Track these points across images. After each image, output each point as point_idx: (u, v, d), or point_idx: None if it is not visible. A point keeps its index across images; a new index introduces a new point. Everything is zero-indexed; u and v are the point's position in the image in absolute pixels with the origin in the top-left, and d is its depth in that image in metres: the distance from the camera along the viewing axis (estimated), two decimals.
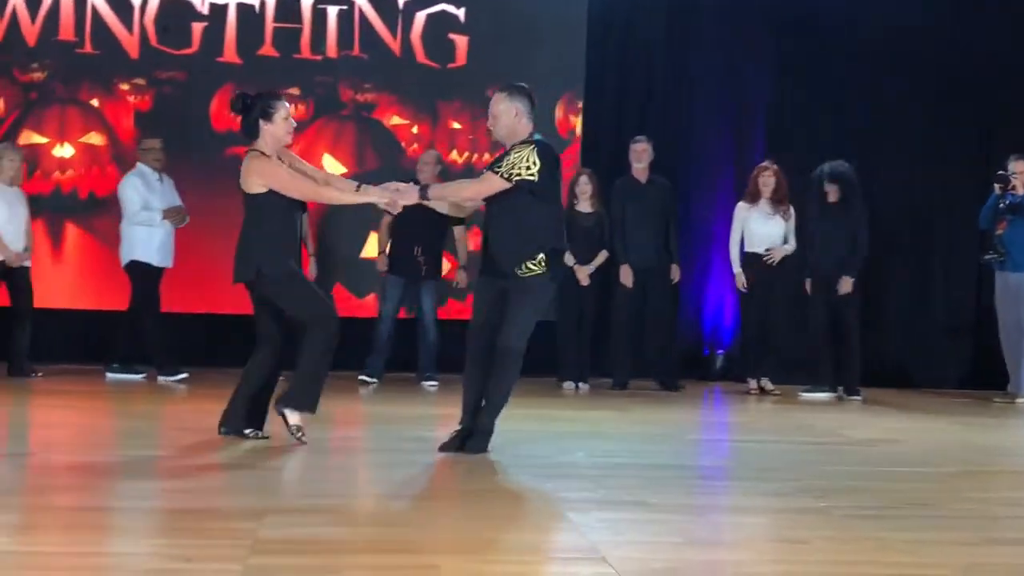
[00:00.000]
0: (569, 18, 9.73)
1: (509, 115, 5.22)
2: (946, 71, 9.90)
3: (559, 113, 9.72)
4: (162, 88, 9.46)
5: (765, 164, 8.78)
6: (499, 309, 5.20)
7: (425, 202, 5.41)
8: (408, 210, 5.74)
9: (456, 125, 9.68)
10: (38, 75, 9.37)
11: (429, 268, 8.53)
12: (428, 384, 8.45)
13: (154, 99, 9.47)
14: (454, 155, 9.59)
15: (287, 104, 5.43)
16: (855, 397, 8.48)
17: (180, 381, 8.15)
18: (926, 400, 8.81)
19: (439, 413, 7.07)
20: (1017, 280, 8.47)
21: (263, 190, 5.23)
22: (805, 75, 9.89)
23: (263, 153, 5.29)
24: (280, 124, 5.31)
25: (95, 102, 9.46)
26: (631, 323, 8.86)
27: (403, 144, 9.63)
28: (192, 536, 3.49)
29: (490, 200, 5.23)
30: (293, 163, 5.45)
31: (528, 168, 5.11)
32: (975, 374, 9.76)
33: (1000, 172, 8.49)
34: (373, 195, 5.37)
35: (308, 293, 5.36)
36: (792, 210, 8.66)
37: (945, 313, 9.90)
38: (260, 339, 5.41)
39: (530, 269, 5.17)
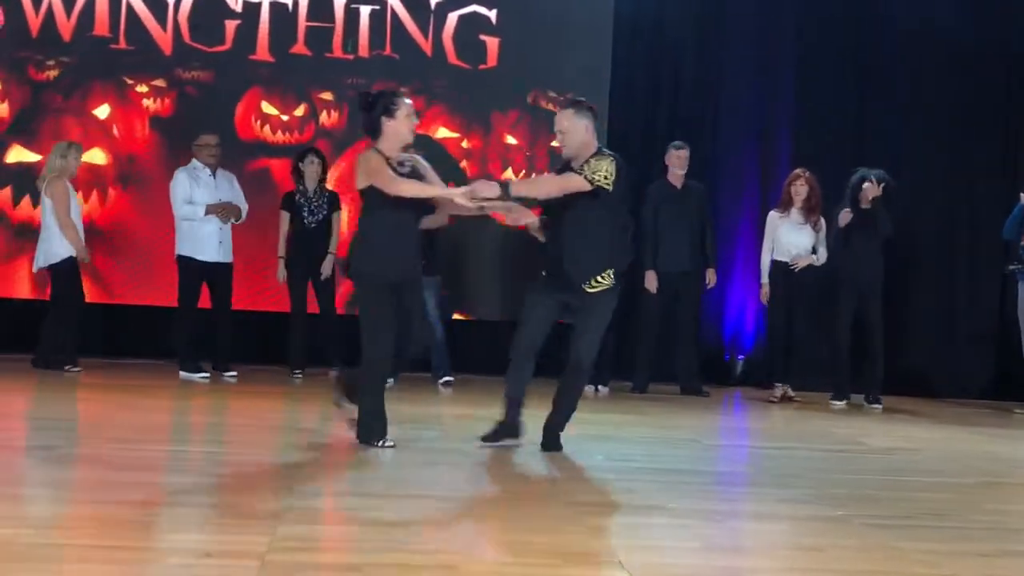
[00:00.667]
0: (596, 20, 9.75)
1: (579, 131, 5.26)
2: (972, 79, 9.87)
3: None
4: (184, 89, 9.51)
5: (798, 172, 8.69)
6: (553, 320, 5.35)
7: (500, 200, 5.25)
8: None
9: (510, 139, 9.72)
10: (53, 72, 9.42)
11: (429, 264, 8.56)
12: (443, 382, 8.47)
13: (175, 103, 9.51)
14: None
15: (409, 101, 5.34)
16: (876, 406, 8.46)
17: (205, 378, 8.19)
18: (947, 410, 8.78)
19: (456, 412, 7.11)
20: None
21: (366, 186, 5.21)
22: (831, 82, 9.89)
23: (379, 151, 5.24)
24: (403, 121, 5.25)
25: (104, 109, 9.47)
26: (658, 327, 8.86)
27: (455, 158, 9.65)
28: (213, 532, 3.53)
29: (562, 212, 5.26)
30: (416, 164, 5.40)
31: (605, 177, 5.18)
32: (997, 385, 9.72)
33: None
34: (456, 192, 5.27)
35: (368, 313, 5.26)
36: (823, 221, 8.62)
37: (968, 323, 9.86)
38: None
39: (599, 283, 5.23)
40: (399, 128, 5.24)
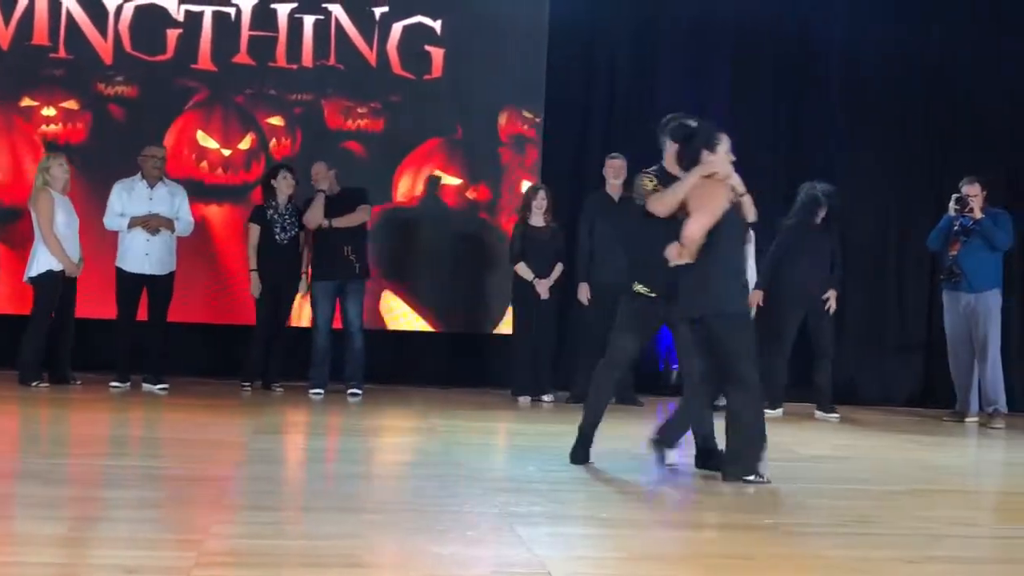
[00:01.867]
0: (532, 31, 9.78)
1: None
2: (902, 90, 10.05)
3: (503, 120, 9.76)
4: (106, 108, 9.29)
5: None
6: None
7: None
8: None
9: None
10: None
11: (362, 267, 8.58)
12: (352, 393, 8.43)
13: (89, 129, 9.28)
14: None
15: (726, 136, 5.28)
16: (833, 415, 8.53)
17: (164, 390, 8.15)
18: (877, 418, 8.90)
19: (393, 425, 7.09)
20: (971, 301, 8.59)
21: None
22: (766, 91, 10.02)
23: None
24: (722, 156, 5.19)
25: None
26: (594, 339, 8.89)
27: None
28: (141, 547, 3.49)
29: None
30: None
31: None
32: (925, 393, 9.89)
33: (959, 195, 8.60)
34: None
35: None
36: (752, 233, 8.69)
37: (897, 332, 10.00)
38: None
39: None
40: (719, 162, 5.20)
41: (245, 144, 9.51)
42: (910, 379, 10.00)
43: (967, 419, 8.58)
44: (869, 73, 10.04)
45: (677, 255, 5.15)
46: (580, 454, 5.46)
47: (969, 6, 10.16)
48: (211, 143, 9.48)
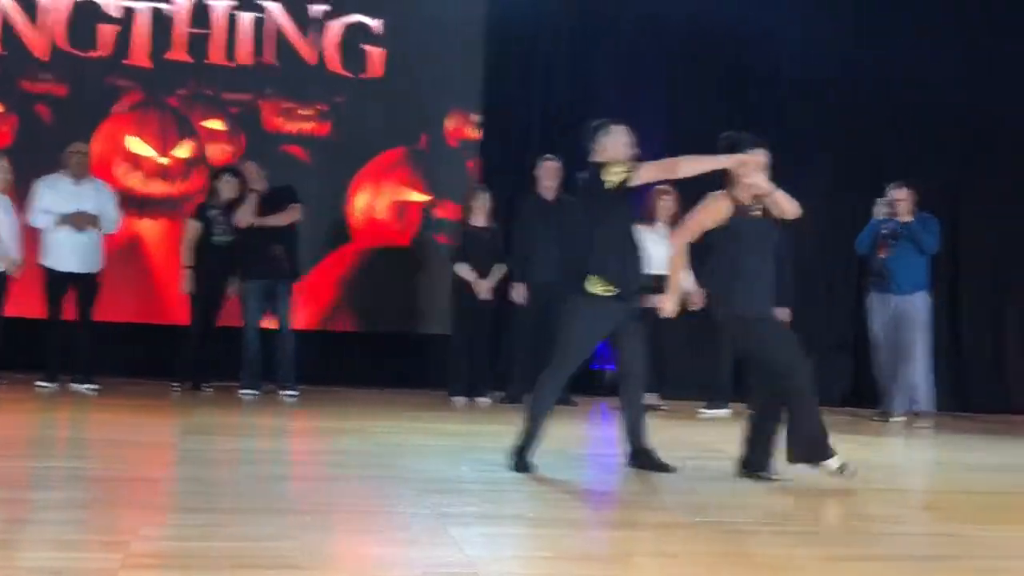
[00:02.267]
0: (470, 33, 9.80)
1: None
2: (834, 101, 10.23)
3: (450, 125, 9.77)
4: (32, 107, 9.15)
5: (664, 188, 8.84)
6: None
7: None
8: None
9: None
10: None
11: (291, 268, 8.54)
12: (286, 395, 8.38)
13: (15, 132, 9.16)
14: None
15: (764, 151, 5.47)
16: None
17: (94, 390, 8.06)
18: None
19: (326, 426, 7.06)
20: (899, 303, 8.74)
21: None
22: (700, 97, 10.11)
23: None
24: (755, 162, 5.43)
25: None
26: (531, 339, 8.92)
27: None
28: (67, 549, 3.45)
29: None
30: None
31: None
32: (854, 393, 10.05)
33: (888, 199, 8.74)
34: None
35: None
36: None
37: (827, 333, 10.14)
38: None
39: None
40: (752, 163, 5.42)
41: (183, 152, 9.41)
42: (840, 379, 10.16)
43: (894, 418, 8.73)
44: (805, 76, 10.17)
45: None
46: (523, 463, 5.35)
47: (907, 17, 10.33)
48: (146, 150, 9.36)
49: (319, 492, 4.67)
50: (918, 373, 8.70)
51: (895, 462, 7.04)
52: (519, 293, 8.80)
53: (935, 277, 9.10)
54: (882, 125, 10.27)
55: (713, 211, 5.41)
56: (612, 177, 5.32)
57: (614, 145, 5.48)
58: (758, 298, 5.40)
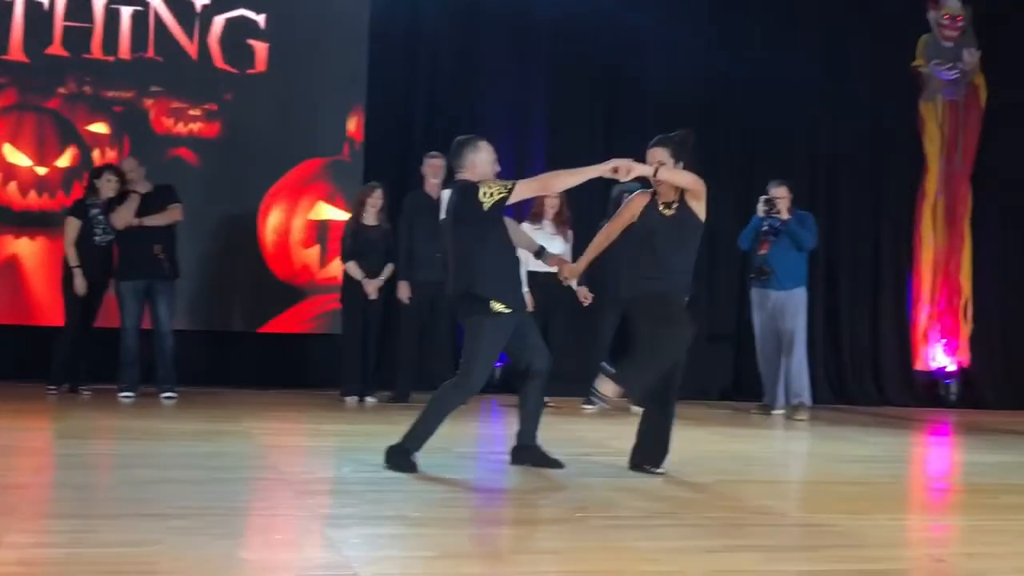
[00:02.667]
0: (353, 29, 9.72)
1: None
2: (713, 101, 10.46)
3: (351, 125, 9.69)
4: None
5: None
6: None
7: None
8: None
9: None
10: None
11: (170, 267, 8.39)
12: (165, 397, 8.23)
13: None
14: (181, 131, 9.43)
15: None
16: (639, 408, 8.69)
17: None
18: (690, 411, 9.08)
19: (206, 428, 6.92)
20: (779, 298, 8.90)
21: None
22: (581, 95, 10.21)
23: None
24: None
25: None
26: (417, 337, 8.89)
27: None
28: None
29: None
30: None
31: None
32: (736, 386, 10.23)
33: (768, 196, 8.91)
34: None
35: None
36: (571, 232, 8.83)
37: (709, 326, 10.31)
38: None
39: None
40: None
41: (64, 161, 9.14)
42: (722, 373, 10.34)
43: (774, 411, 8.90)
44: (682, 75, 10.35)
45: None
46: (409, 463, 5.30)
47: (778, 23, 10.59)
48: (21, 159, 9.07)
49: (194, 495, 4.57)
50: (797, 367, 8.88)
51: (772, 454, 7.17)
52: (403, 291, 8.76)
53: (813, 273, 9.31)
54: (755, 127, 10.51)
55: (631, 208, 5.60)
56: (487, 199, 5.32)
57: (483, 162, 5.48)
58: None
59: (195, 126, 9.37)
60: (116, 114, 9.26)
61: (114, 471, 5.17)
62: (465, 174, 5.48)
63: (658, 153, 5.58)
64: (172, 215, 8.39)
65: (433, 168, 8.87)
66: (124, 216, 8.22)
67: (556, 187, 5.53)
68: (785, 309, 8.90)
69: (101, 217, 8.37)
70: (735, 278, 10.17)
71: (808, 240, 8.90)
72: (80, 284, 8.29)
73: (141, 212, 8.26)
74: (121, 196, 8.32)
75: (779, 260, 8.90)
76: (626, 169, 5.38)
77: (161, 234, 8.32)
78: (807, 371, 8.99)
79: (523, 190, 5.39)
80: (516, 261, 5.60)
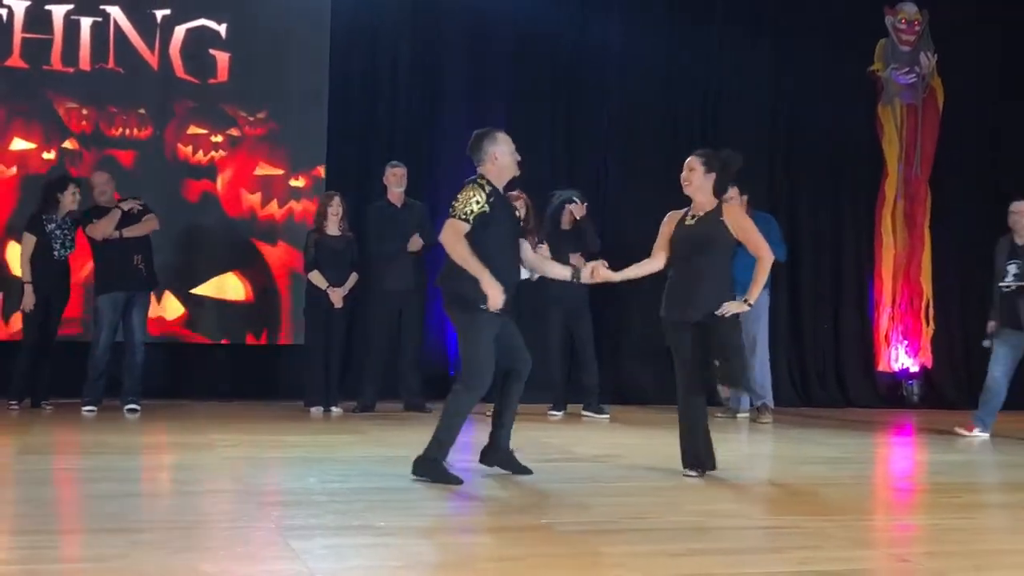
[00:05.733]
0: (315, 39, 9.70)
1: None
2: (670, 104, 10.55)
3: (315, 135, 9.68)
4: None
5: (515, 193, 8.89)
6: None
7: None
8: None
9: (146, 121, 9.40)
10: None
11: (149, 277, 8.35)
12: (130, 409, 8.17)
13: None
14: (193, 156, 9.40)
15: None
16: (601, 416, 8.73)
17: None
18: (660, 416, 9.15)
19: (171, 441, 6.88)
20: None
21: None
22: (541, 102, 10.25)
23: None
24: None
25: None
26: (385, 346, 8.87)
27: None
28: None
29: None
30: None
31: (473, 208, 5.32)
32: None
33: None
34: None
35: None
36: (544, 246, 8.81)
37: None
38: None
39: None
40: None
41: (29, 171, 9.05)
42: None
43: (739, 415, 8.94)
44: (642, 82, 10.42)
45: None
46: (444, 473, 5.35)
47: (737, 28, 10.69)
48: None
49: (157, 509, 4.54)
50: (760, 370, 8.92)
51: (736, 457, 7.18)
52: (338, 299, 8.71)
53: (775, 276, 9.35)
54: (715, 133, 10.57)
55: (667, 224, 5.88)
56: (456, 206, 5.37)
57: (503, 153, 5.51)
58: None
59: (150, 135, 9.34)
60: (77, 126, 9.17)
61: (76, 486, 5.13)
62: (486, 166, 5.49)
63: (692, 161, 5.72)
64: (150, 225, 8.37)
65: (396, 177, 8.88)
66: (104, 228, 8.19)
67: (452, 252, 5.39)
68: (748, 313, 8.91)
69: (58, 232, 8.29)
70: None
71: (776, 247, 8.94)
72: (28, 301, 8.22)
73: (118, 224, 8.24)
74: (97, 209, 8.27)
75: (741, 265, 8.91)
76: (493, 299, 5.34)
77: (139, 244, 8.29)
78: (769, 374, 9.04)
79: (454, 227, 5.35)
80: (503, 264, 5.48)
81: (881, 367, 10.95)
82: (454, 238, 5.32)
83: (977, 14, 11.07)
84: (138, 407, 8.16)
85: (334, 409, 8.64)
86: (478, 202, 5.31)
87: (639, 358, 10.24)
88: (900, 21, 11.11)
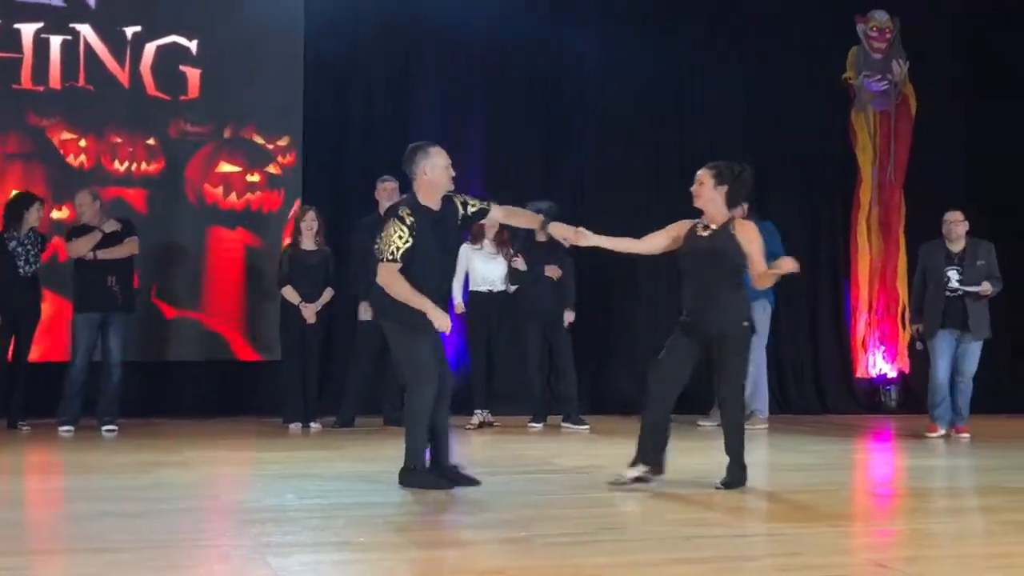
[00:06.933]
0: (288, 55, 9.68)
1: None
2: (646, 115, 10.59)
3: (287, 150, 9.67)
4: None
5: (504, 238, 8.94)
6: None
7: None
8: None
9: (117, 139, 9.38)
10: None
11: (125, 299, 8.30)
12: (107, 429, 8.13)
13: None
14: (116, 164, 9.34)
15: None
16: (581, 426, 8.72)
17: None
18: (631, 426, 9.14)
19: (148, 459, 6.84)
20: None
21: None
22: (517, 116, 10.26)
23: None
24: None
25: None
26: (368, 361, 8.85)
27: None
28: None
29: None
30: None
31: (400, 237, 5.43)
32: (681, 398, 10.24)
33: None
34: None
35: None
36: (520, 259, 8.83)
37: (651, 340, 10.32)
38: None
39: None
40: None
41: None
42: None
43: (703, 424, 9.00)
44: (618, 91, 10.46)
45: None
46: (424, 479, 5.51)
47: (711, 35, 10.76)
48: None
49: (134, 528, 4.51)
50: (755, 379, 8.95)
51: (715, 466, 7.17)
52: (364, 312, 8.71)
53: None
54: (690, 140, 10.63)
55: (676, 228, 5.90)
56: (381, 241, 5.53)
57: (434, 167, 5.54)
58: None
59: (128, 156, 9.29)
60: (43, 144, 9.13)
61: (52, 506, 5.09)
62: (418, 181, 5.54)
63: (702, 174, 5.74)
64: (128, 248, 8.33)
65: (387, 192, 8.86)
66: (79, 247, 8.16)
67: (391, 290, 5.50)
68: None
69: (20, 249, 8.24)
70: (676, 290, 10.22)
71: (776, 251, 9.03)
72: None
73: (98, 244, 8.21)
74: (80, 228, 8.26)
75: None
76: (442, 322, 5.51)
77: (116, 266, 8.25)
78: (765, 383, 9.08)
79: (386, 269, 5.47)
80: (435, 283, 5.60)
81: (859, 373, 10.99)
82: (390, 279, 5.46)
83: (948, 22, 11.16)
84: (115, 427, 8.12)
85: (313, 425, 8.61)
86: (400, 237, 5.43)
87: (618, 368, 10.27)
88: (872, 29, 11.18)
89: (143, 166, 9.37)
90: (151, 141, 9.38)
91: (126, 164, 9.32)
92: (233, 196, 9.54)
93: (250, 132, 9.59)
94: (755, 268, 5.73)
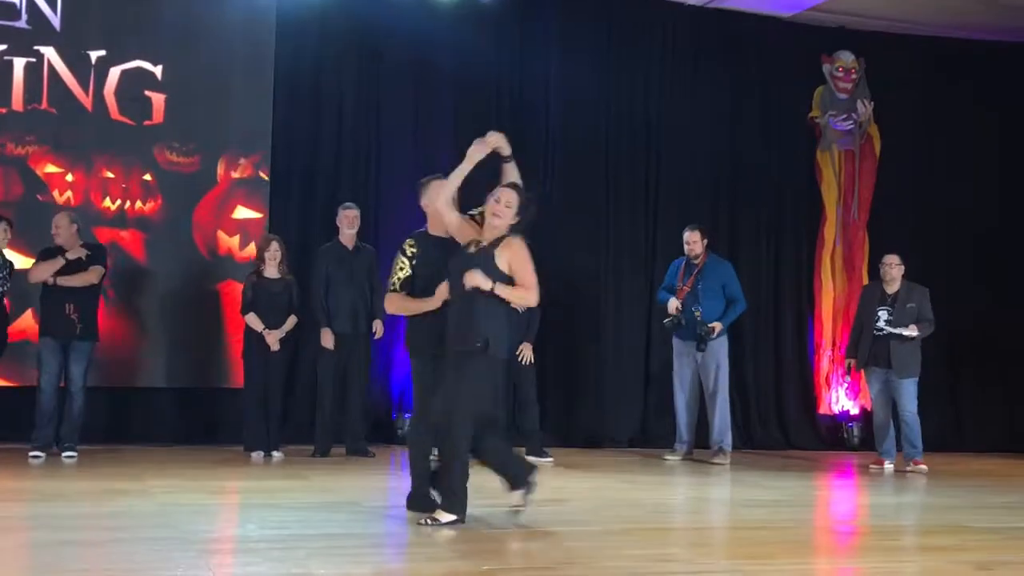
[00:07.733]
0: (258, 80, 9.67)
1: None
2: (614, 144, 10.65)
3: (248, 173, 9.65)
4: None
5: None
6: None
7: None
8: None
9: (109, 175, 9.33)
10: None
11: (85, 328, 8.22)
12: (67, 456, 8.06)
13: None
14: (107, 202, 9.30)
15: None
16: (545, 459, 8.71)
17: None
18: (604, 459, 9.19)
19: (108, 487, 6.79)
20: (702, 346, 9.05)
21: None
22: (482, 136, 10.28)
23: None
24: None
25: None
26: (334, 389, 8.82)
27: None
28: None
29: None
30: None
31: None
32: (645, 433, 10.31)
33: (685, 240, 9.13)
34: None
35: None
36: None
37: (617, 375, 10.37)
38: None
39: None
40: None
41: None
42: (629, 421, 10.39)
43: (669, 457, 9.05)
44: (586, 123, 10.53)
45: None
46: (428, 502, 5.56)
47: (678, 73, 10.85)
48: None
49: (94, 558, 4.47)
50: (720, 413, 9.03)
51: (680, 502, 7.22)
52: (327, 340, 8.68)
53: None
54: (656, 176, 10.71)
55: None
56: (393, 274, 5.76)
57: (427, 203, 5.90)
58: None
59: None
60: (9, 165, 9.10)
61: (10, 534, 5.03)
62: (428, 212, 5.86)
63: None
64: (89, 277, 8.25)
65: (348, 219, 8.88)
66: (39, 273, 8.11)
67: (400, 313, 5.87)
68: (707, 357, 9.03)
69: None
70: (642, 321, 10.32)
71: (738, 309, 9.19)
72: None
73: (63, 270, 8.15)
74: (49, 251, 8.23)
75: (702, 308, 9.06)
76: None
77: (77, 294, 8.17)
78: (729, 417, 9.14)
79: (390, 299, 5.75)
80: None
81: (822, 409, 11.06)
82: (392, 306, 5.80)
83: (912, 63, 11.32)
84: (75, 453, 8.05)
85: (275, 454, 8.56)
86: (401, 268, 5.73)
87: (582, 400, 10.29)
88: (837, 69, 11.33)
89: (114, 194, 9.30)
90: (119, 165, 9.33)
91: (105, 197, 9.25)
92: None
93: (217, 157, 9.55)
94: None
